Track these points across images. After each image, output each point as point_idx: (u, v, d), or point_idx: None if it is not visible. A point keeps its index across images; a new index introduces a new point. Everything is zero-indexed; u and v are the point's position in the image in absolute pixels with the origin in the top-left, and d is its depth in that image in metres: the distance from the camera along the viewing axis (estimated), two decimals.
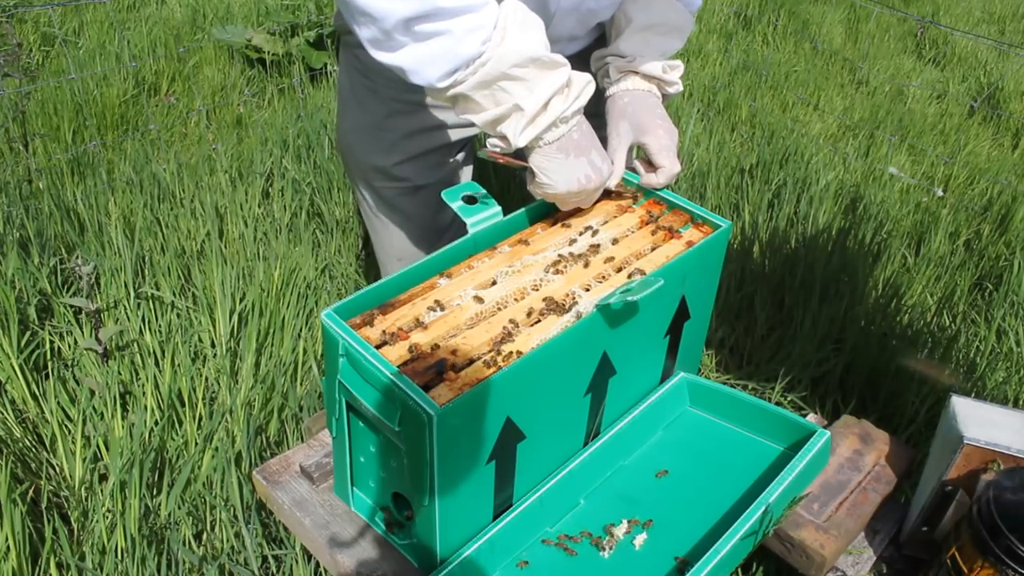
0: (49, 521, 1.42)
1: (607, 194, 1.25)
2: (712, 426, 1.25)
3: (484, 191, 1.15)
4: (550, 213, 1.22)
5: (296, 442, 1.67)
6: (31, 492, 1.55)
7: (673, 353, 1.24)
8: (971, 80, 4.19)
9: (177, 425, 1.71)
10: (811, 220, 2.56)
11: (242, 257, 2.22)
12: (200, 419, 1.73)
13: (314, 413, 1.58)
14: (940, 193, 2.98)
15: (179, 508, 1.50)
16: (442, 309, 1.02)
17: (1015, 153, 3.47)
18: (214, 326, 1.95)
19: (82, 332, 1.89)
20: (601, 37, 1.38)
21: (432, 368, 0.93)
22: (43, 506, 1.49)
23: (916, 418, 1.87)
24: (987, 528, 0.98)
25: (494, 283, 1.07)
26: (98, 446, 1.62)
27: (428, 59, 0.96)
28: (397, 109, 1.32)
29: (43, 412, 1.71)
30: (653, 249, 1.15)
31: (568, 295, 1.05)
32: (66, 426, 1.67)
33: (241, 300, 1.99)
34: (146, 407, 1.69)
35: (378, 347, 0.94)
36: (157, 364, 1.80)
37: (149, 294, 2.00)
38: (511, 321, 1.00)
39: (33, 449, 1.65)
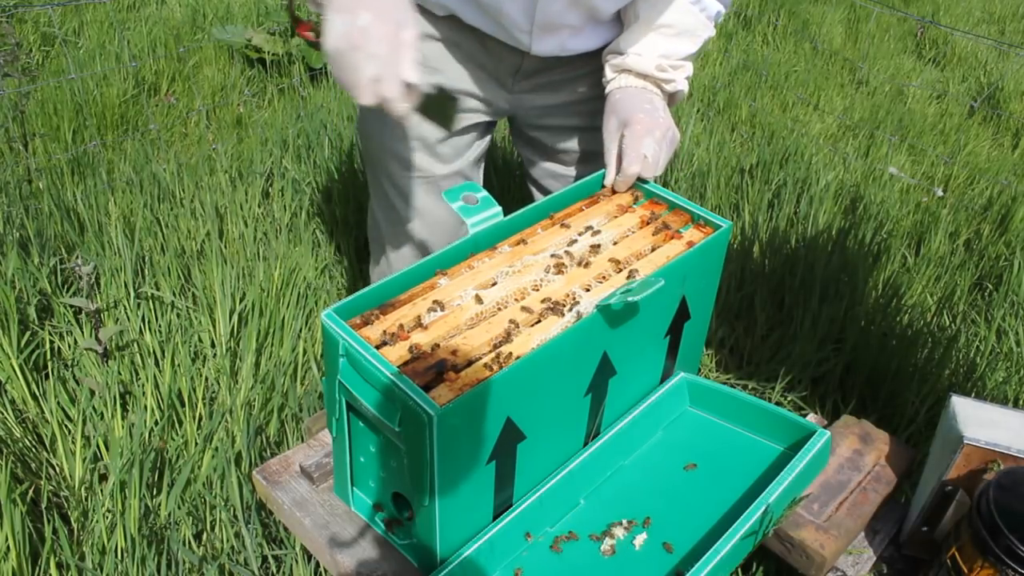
0: (49, 521, 1.42)
1: (608, 194, 1.25)
2: (712, 426, 1.25)
3: (484, 191, 1.15)
4: (550, 213, 1.23)
5: (296, 442, 1.67)
6: (31, 492, 1.55)
7: (673, 353, 1.24)
8: (971, 80, 4.19)
9: (177, 425, 1.71)
10: (811, 220, 2.56)
11: (242, 257, 2.22)
12: (200, 419, 1.73)
13: (314, 413, 1.58)
14: (940, 193, 2.98)
15: (179, 508, 1.50)
16: (442, 309, 1.02)
17: (1015, 153, 3.47)
18: (214, 326, 1.95)
19: (82, 332, 1.89)
20: None
21: (432, 368, 0.93)
22: (43, 506, 1.49)
23: (916, 418, 1.87)
24: (987, 528, 0.98)
25: (494, 283, 1.07)
26: (98, 446, 1.62)
27: None
28: None
29: (43, 412, 1.71)
30: (653, 249, 1.15)
31: (568, 295, 1.05)
32: (66, 426, 1.67)
33: (241, 300, 1.99)
34: (146, 407, 1.69)
35: (378, 347, 0.94)
36: (157, 364, 1.80)
37: (149, 294, 2.00)
38: (511, 321, 1.00)
39: (33, 449, 1.65)
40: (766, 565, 1.39)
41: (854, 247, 2.36)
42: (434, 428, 0.86)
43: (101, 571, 1.40)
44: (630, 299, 0.98)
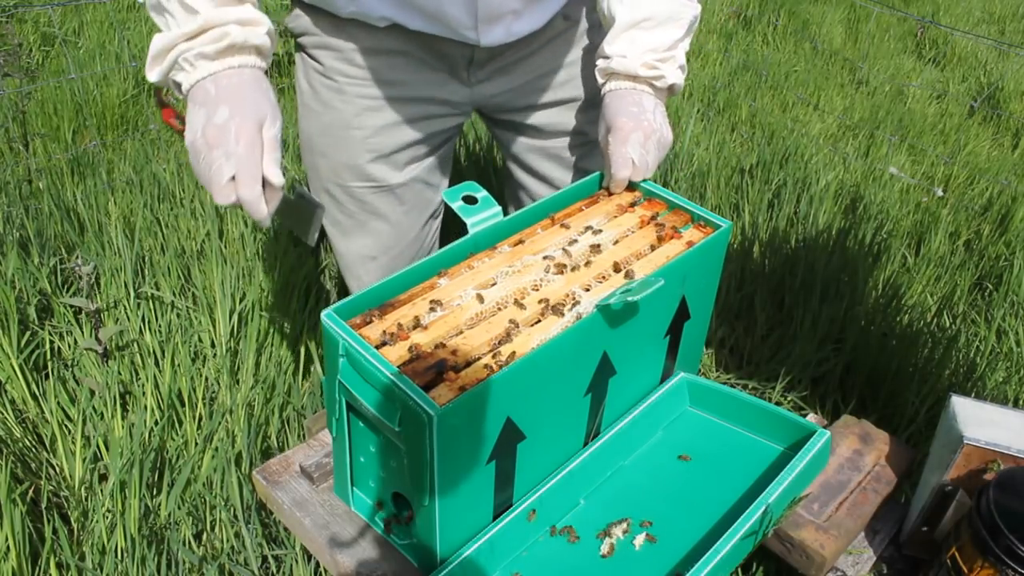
0: (49, 521, 1.42)
1: (607, 194, 1.25)
2: (712, 426, 1.25)
3: (484, 191, 1.15)
4: (550, 213, 1.23)
5: (296, 442, 1.67)
6: (31, 492, 1.55)
7: (673, 353, 1.24)
8: (971, 80, 4.20)
9: (177, 425, 1.71)
10: (811, 220, 2.57)
11: (242, 257, 2.22)
12: (200, 419, 1.73)
13: (314, 413, 1.58)
14: (940, 193, 2.98)
15: (179, 508, 1.50)
16: (442, 309, 1.02)
17: (1015, 153, 3.47)
18: (214, 326, 1.95)
19: (82, 332, 1.89)
20: (576, 26, 1.34)
21: (432, 368, 0.93)
22: (43, 506, 1.50)
23: (916, 418, 1.87)
24: (987, 528, 0.98)
25: (494, 283, 1.07)
26: (98, 446, 1.62)
27: None
28: (365, 106, 1.29)
29: (43, 412, 1.71)
30: (653, 249, 1.15)
31: (568, 295, 1.05)
32: (66, 426, 1.67)
33: (241, 300, 1.99)
34: (146, 407, 1.69)
35: (378, 347, 0.94)
36: (157, 364, 1.80)
37: (149, 294, 2.00)
38: (511, 321, 1.00)
39: (33, 449, 1.65)
40: (766, 565, 1.39)
41: (854, 247, 2.36)
42: (434, 428, 0.86)
43: (101, 571, 1.40)
44: (630, 299, 0.98)
